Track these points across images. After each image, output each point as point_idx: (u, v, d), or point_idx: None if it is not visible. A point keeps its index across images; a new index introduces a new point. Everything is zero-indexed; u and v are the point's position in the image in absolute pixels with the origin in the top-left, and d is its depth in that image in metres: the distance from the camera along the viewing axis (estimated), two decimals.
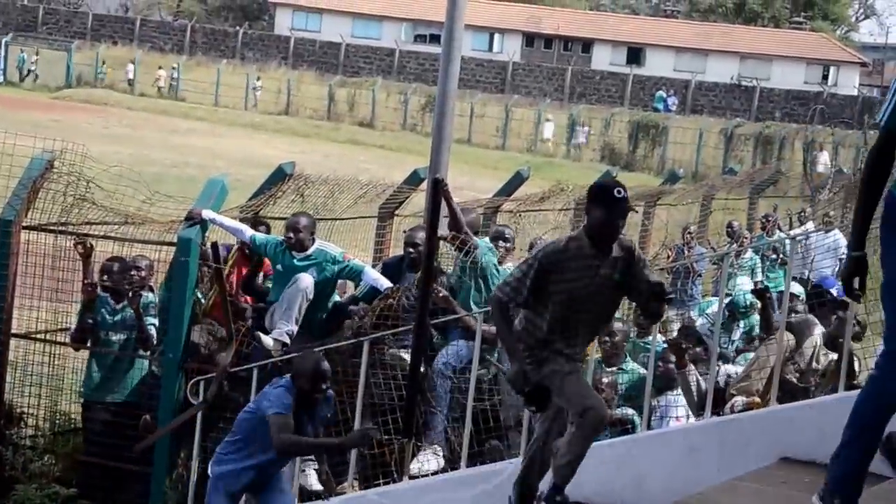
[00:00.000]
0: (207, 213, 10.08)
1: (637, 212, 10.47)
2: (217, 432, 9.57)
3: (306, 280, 9.91)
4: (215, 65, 67.51)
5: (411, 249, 10.27)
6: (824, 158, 44.38)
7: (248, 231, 10.45)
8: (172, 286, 10.18)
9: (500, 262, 10.15)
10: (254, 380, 9.34)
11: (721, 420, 8.10)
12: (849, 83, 73.73)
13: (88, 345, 10.43)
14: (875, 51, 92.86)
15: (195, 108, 60.82)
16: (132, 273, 10.31)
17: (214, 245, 10.16)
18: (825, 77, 73.42)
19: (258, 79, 64.90)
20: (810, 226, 19.36)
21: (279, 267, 10.17)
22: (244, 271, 10.76)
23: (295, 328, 9.90)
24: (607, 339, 9.58)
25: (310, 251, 10.10)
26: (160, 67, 67.20)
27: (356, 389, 9.04)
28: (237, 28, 78.84)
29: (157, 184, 11.63)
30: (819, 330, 9.90)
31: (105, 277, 10.24)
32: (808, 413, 7.63)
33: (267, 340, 9.84)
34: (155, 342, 10.31)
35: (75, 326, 10.41)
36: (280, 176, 11.79)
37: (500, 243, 10.62)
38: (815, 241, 16.53)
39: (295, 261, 10.07)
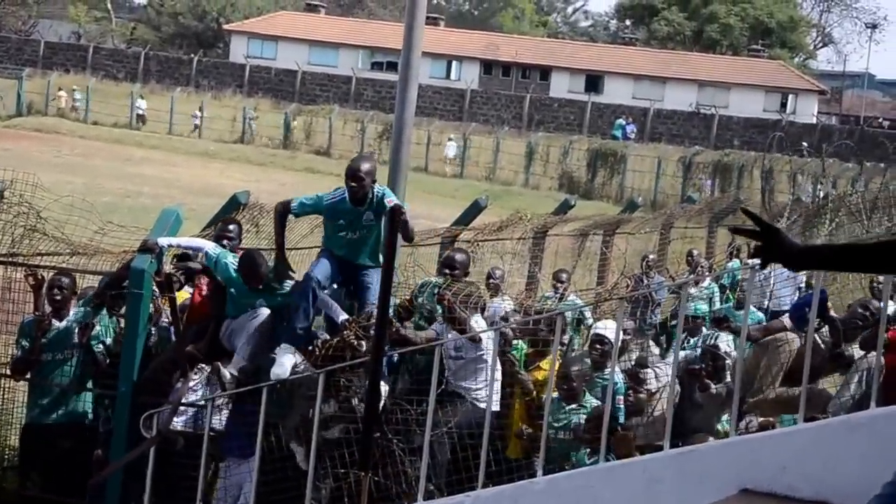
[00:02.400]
0: (164, 240, 9.92)
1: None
2: (170, 467, 9.53)
3: (263, 314, 9.77)
4: (169, 93, 66.72)
5: (354, 184, 9.88)
6: (808, 187, 44.20)
7: (207, 245, 10.19)
8: (125, 318, 10.00)
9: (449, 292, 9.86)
10: (208, 411, 9.39)
11: (680, 451, 7.88)
12: (807, 111, 74.00)
13: (29, 375, 10.27)
14: (833, 79, 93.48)
15: (149, 136, 60.01)
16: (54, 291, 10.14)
17: (168, 276, 10.04)
18: (784, 105, 73.65)
19: (254, 109, 64.00)
20: None
21: (231, 290, 9.91)
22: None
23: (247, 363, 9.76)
24: (564, 386, 9.70)
25: (261, 285, 9.81)
26: (60, 89, 66.59)
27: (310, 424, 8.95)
28: (192, 56, 78.12)
29: (109, 213, 11.62)
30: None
31: (55, 292, 10.11)
32: (769, 444, 7.43)
33: (225, 373, 9.65)
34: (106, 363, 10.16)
35: (16, 356, 10.24)
36: (234, 205, 11.57)
37: (447, 271, 10.42)
38: (774, 270, 16.33)
39: (247, 289, 9.85)
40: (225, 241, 10.50)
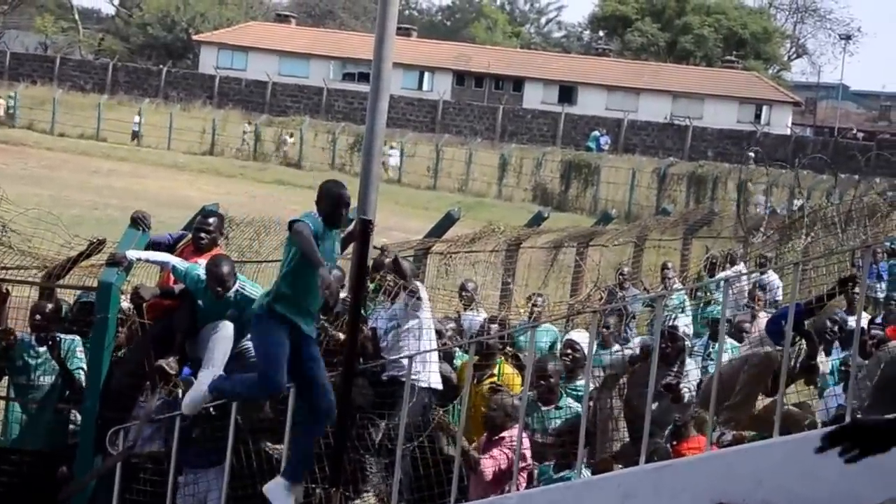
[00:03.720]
0: (132, 254, 9.83)
1: None
2: (137, 482, 9.56)
3: (226, 326, 9.57)
4: (138, 104, 66.28)
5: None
6: (759, 199, 44.35)
7: (173, 259, 9.94)
8: (92, 332, 9.90)
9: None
10: (176, 428, 9.31)
11: (655, 466, 7.95)
12: (781, 122, 74.19)
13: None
14: (807, 90, 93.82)
15: (116, 148, 59.54)
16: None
17: (136, 290, 9.94)
18: (758, 116, 73.78)
19: (249, 123, 63.54)
20: (741, 267, 19.18)
21: (199, 302, 9.73)
22: (193, 261, 10.16)
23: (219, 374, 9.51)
24: (542, 381, 9.73)
25: (230, 293, 9.57)
26: None
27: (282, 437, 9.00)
28: (160, 67, 77.70)
29: (76, 226, 11.57)
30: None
31: (38, 317, 10.09)
32: (744, 458, 7.54)
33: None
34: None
35: None
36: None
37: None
38: (747, 282, 16.40)
39: (215, 300, 9.59)
40: (203, 235, 10.28)
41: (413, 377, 9.39)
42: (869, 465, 5.30)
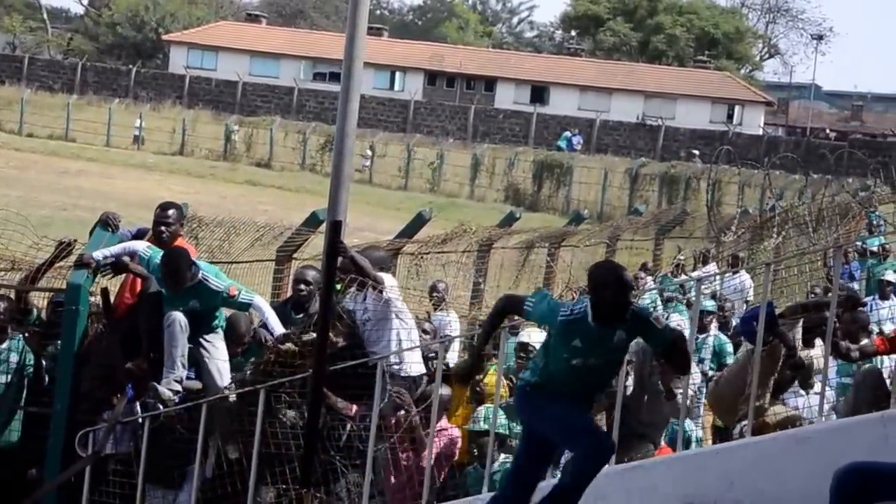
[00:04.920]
0: (98, 254, 9.81)
1: None
2: (106, 485, 9.52)
3: (175, 319, 9.55)
4: (107, 104, 65.91)
5: (302, 286, 10.15)
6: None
7: (139, 246, 9.95)
8: (61, 334, 9.96)
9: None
10: (145, 429, 9.34)
11: (627, 467, 7.99)
12: (754, 122, 74.36)
13: None
14: (779, 90, 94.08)
15: (86, 148, 59.21)
16: None
17: (105, 291, 9.96)
18: (730, 116, 73.95)
19: (237, 125, 63.18)
20: (712, 267, 19.29)
21: (163, 291, 9.75)
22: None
23: (183, 372, 9.69)
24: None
25: (193, 283, 9.63)
26: None
27: (251, 439, 9.00)
28: (130, 67, 77.32)
29: (45, 227, 11.77)
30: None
31: None
32: (716, 458, 7.57)
33: (163, 391, 9.55)
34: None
35: None
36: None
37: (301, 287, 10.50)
38: (719, 281, 16.60)
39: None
40: (163, 228, 10.23)
41: (395, 367, 9.41)
42: (838, 466, 5.29)
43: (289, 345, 9.45)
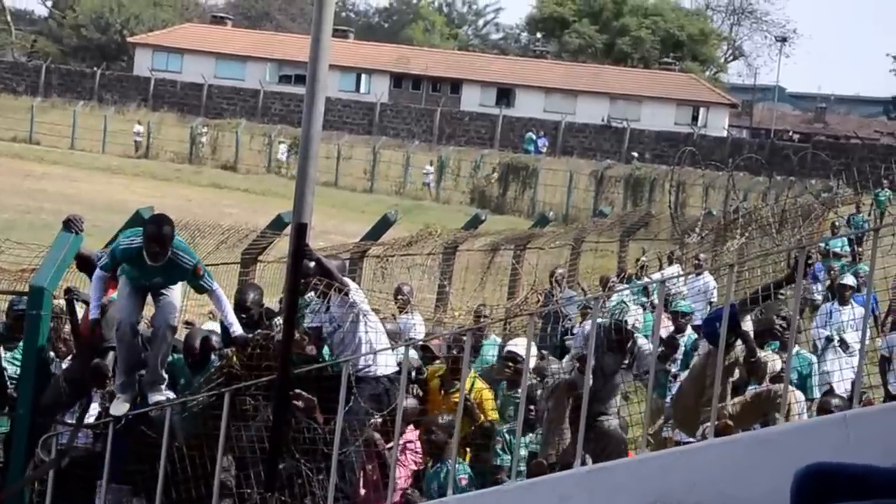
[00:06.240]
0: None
1: None
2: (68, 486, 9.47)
3: (125, 329, 9.42)
4: (71, 107, 65.58)
5: (243, 315, 10.02)
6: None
7: (96, 276, 9.65)
8: (23, 338, 9.89)
9: None
10: (109, 434, 9.27)
11: (591, 469, 8.00)
12: (718, 124, 74.62)
13: None
14: (744, 92, 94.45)
15: (50, 151, 58.89)
16: None
17: (69, 291, 9.93)
18: (695, 118, 74.18)
19: (204, 127, 62.83)
20: (675, 269, 19.36)
21: (131, 266, 9.54)
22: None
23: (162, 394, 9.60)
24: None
25: (164, 259, 9.44)
26: None
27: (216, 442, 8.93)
28: (95, 69, 76.90)
29: (8, 231, 12.12)
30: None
31: None
32: (679, 460, 7.55)
33: (119, 407, 9.48)
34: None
35: None
36: (138, 221, 11.23)
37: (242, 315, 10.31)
38: (681, 283, 16.64)
39: (148, 265, 9.42)
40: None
41: (363, 370, 9.42)
42: (802, 464, 5.31)
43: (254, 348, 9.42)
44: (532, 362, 11.26)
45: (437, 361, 10.87)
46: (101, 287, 9.53)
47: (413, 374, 10.13)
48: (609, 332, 9.99)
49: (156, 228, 9.23)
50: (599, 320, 10.44)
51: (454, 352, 10.32)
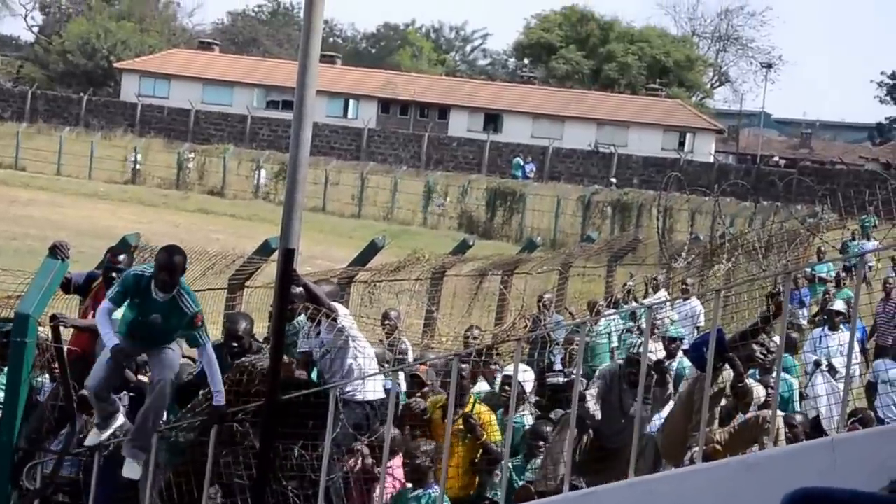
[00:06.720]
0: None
1: None
2: None
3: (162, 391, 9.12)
4: (58, 132, 65.48)
5: (235, 344, 9.92)
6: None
7: (102, 323, 9.16)
8: (8, 366, 9.76)
9: None
10: (94, 464, 9.22)
11: (580, 493, 8.05)
12: (705, 150, 74.80)
13: None
14: (730, 117, 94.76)
15: (36, 177, 58.76)
16: None
17: (54, 318, 9.76)
18: (682, 143, 74.29)
19: (191, 152, 62.75)
20: (662, 294, 19.36)
21: (136, 299, 9.11)
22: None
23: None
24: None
25: (172, 293, 9.07)
26: None
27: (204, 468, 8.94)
28: (81, 94, 76.83)
29: None
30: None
31: None
32: (667, 485, 7.55)
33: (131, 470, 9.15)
34: None
35: None
36: (124, 247, 11.39)
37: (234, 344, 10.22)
38: (669, 308, 16.67)
39: (156, 298, 9.04)
40: (114, 274, 10.11)
41: (350, 394, 9.41)
42: (787, 491, 5.32)
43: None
44: (528, 384, 11.32)
45: (427, 389, 10.86)
46: (109, 322, 9.11)
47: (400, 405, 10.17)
48: (629, 364, 10.12)
49: (167, 256, 9.00)
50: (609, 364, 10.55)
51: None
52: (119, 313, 9.16)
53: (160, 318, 9.03)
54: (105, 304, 9.14)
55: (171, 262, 8.96)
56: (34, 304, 9.61)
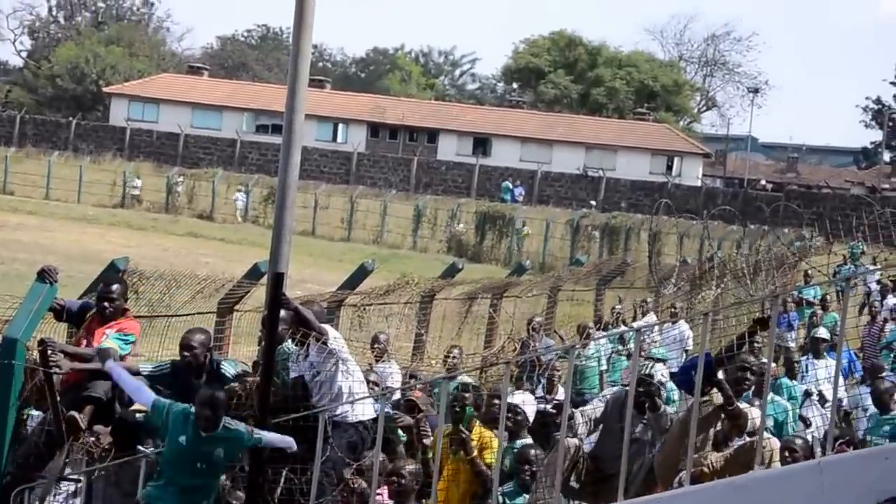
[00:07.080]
0: (110, 365, 9.31)
1: None
2: None
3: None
4: (46, 157, 65.40)
5: (186, 353, 9.80)
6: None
7: (149, 394, 9.15)
8: None
9: None
10: (83, 484, 9.31)
11: None
12: (692, 174, 74.92)
13: None
14: (717, 142, 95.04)
15: (24, 201, 58.65)
16: None
17: (42, 342, 9.63)
18: (669, 167, 74.41)
19: (180, 176, 62.64)
20: (651, 317, 19.37)
21: (181, 439, 8.72)
22: (101, 332, 9.96)
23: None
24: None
25: (219, 429, 8.69)
26: None
27: None
28: (70, 119, 76.75)
29: None
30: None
31: None
32: None
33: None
34: None
35: None
36: (113, 271, 11.33)
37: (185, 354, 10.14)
38: (658, 332, 16.77)
39: (202, 436, 8.68)
40: (107, 304, 10.06)
41: (341, 415, 9.44)
42: None
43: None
44: (530, 410, 11.28)
45: (420, 415, 10.82)
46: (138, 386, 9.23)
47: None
48: (639, 385, 9.96)
49: (203, 407, 8.62)
50: (616, 389, 10.54)
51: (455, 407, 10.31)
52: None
53: (222, 452, 8.74)
54: (143, 384, 9.27)
55: (212, 411, 8.62)
56: (22, 328, 9.62)
